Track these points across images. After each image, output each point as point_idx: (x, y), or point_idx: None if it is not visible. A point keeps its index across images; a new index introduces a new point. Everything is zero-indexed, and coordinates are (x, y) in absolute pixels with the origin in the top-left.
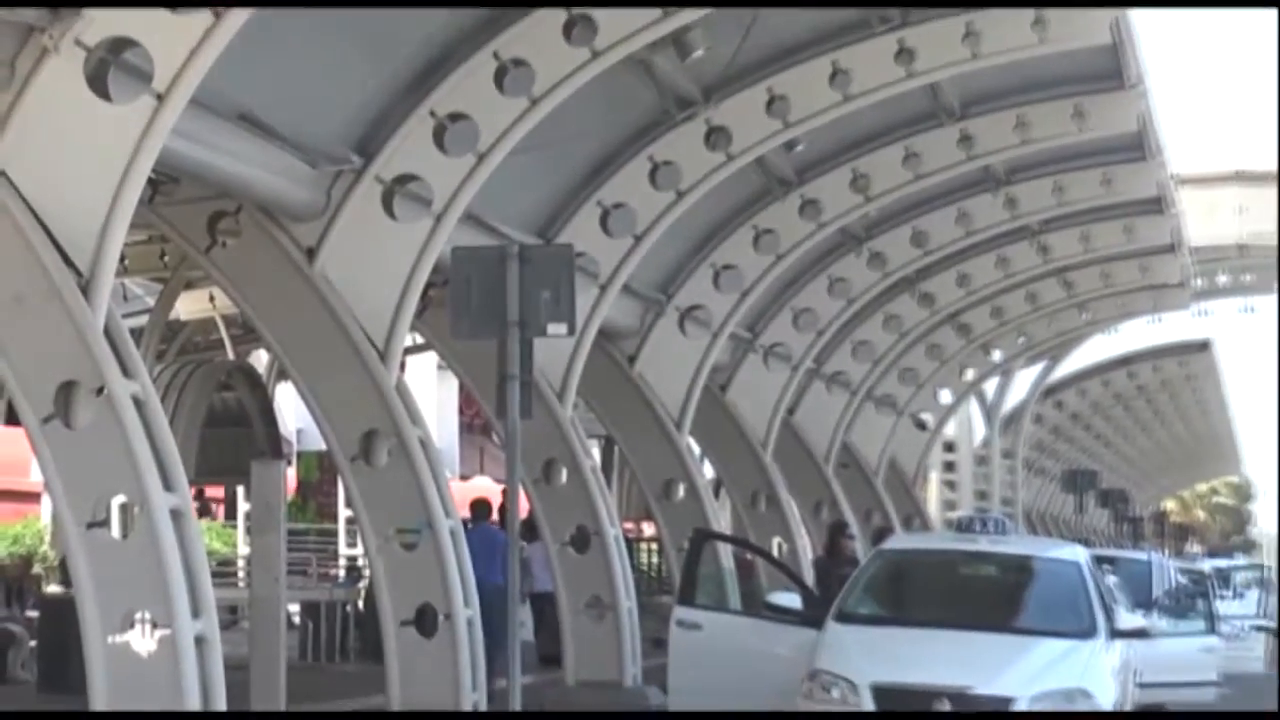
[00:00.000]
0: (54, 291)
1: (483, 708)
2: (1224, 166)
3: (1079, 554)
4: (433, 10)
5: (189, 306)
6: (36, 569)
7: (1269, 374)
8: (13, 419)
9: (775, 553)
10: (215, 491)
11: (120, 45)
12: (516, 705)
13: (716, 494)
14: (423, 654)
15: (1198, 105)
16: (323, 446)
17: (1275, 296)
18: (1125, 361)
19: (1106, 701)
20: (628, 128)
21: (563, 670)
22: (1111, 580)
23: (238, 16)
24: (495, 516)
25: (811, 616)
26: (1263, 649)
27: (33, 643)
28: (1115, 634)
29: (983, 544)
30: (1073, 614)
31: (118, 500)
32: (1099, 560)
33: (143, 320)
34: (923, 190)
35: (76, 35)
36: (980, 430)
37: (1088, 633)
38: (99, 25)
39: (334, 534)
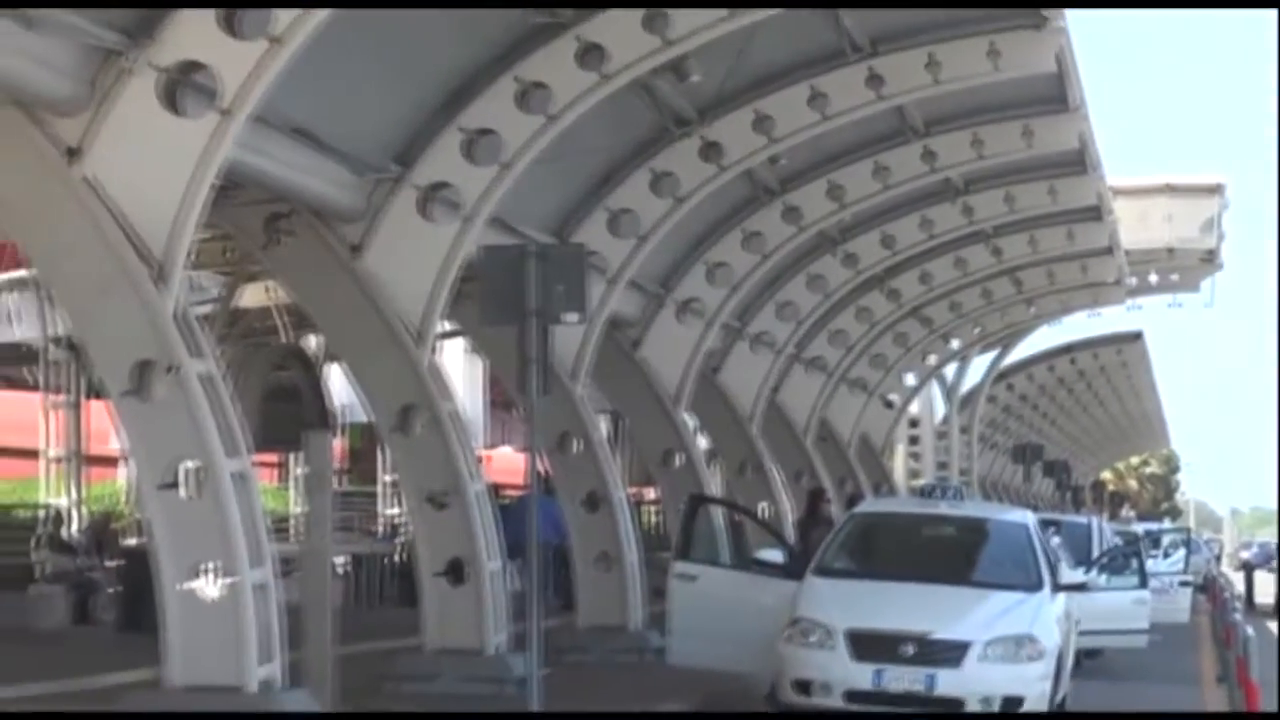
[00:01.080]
0: (132, 282)
1: (504, 649)
2: (1155, 180)
3: (1027, 517)
4: (463, 38)
5: (249, 296)
6: (115, 524)
7: (1193, 362)
8: (97, 392)
9: (761, 514)
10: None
11: (190, 67)
12: (535, 646)
13: (709, 463)
14: (453, 600)
15: (1132, 124)
16: (366, 419)
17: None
18: (1068, 350)
19: (1050, 645)
20: (632, 143)
21: (575, 615)
22: (1055, 541)
23: (294, 42)
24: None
25: (793, 570)
26: (1187, 602)
27: (112, 589)
28: (1058, 587)
29: (943, 508)
30: (1021, 570)
31: (187, 465)
32: (1044, 523)
33: (209, 308)
34: (891, 199)
35: (151, 58)
36: (941, 409)
37: (1034, 586)
38: (171, 49)
39: (376, 496)
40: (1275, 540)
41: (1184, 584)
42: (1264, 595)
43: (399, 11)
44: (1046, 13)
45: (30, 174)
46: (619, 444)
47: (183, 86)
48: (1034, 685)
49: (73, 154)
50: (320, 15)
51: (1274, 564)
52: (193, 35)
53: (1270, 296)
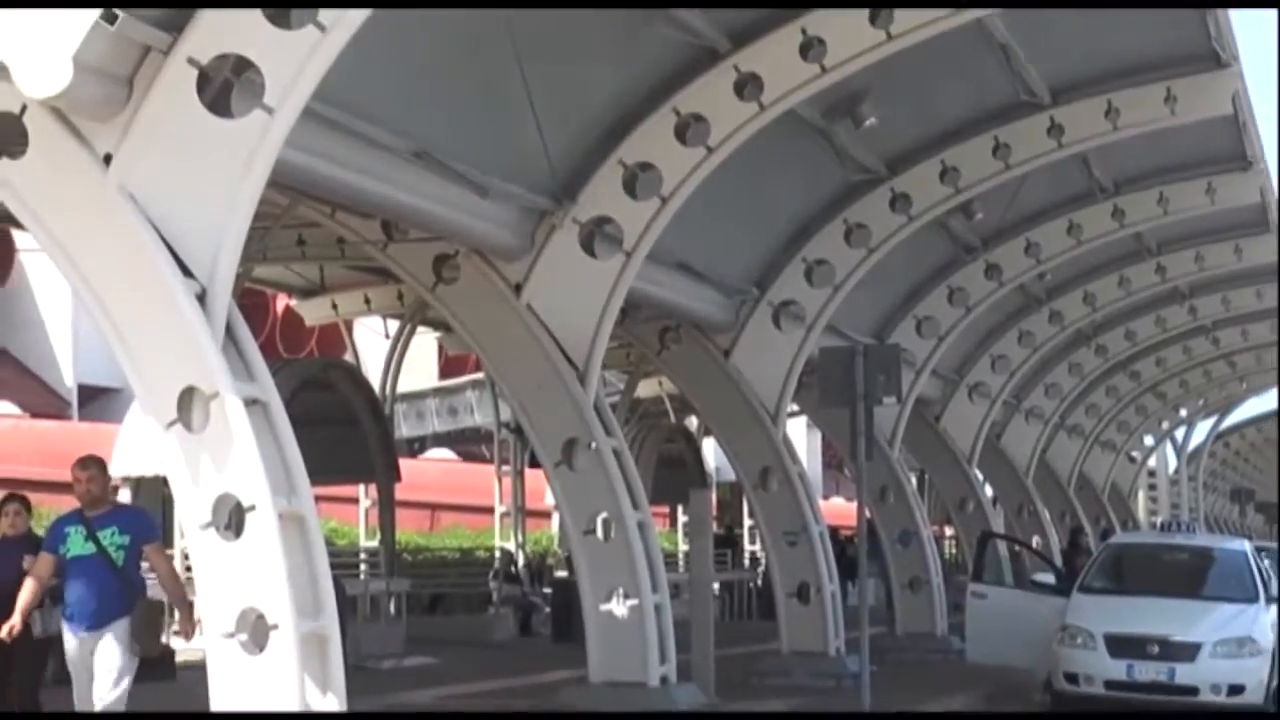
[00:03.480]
0: (561, 381)
1: (842, 651)
2: None
3: (1245, 545)
4: (803, 190)
5: (645, 389)
6: (550, 561)
7: None
8: (534, 463)
9: (1035, 546)
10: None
11: (601, 221)
12: (866, 649)
13: (994, 507)
14: (801, 615)
15: None
16: (734, 478)
17: None
18: (1274, 415)
19: (1266, 644)
20: (932, 266)
21: (894, 625)
22: (1267, 564)
23: (678, 199)
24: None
25: (1062, 589)
26: None
27: (548, 609)
28: (1271, 600)
29: (1178, 539)
30: (1241, 586)
31: (603, 516)
32: (1258, 550)
33: (615, 398)
34: (1132, 303)
35: (574, 215)
36: (1173, 462)
37: (1252, 599)
38: (588, 207)
39: (741, 537)
40: None
41: None
42: None
43: (755, 170)
44: (1252, 156)
45: (487, 303)
46: (925, 493)
47: (597, 236)
48: (1253, 675)
49: (517, 289)
50: (698, 178)
51: None
52: (603, 196)
53: None
